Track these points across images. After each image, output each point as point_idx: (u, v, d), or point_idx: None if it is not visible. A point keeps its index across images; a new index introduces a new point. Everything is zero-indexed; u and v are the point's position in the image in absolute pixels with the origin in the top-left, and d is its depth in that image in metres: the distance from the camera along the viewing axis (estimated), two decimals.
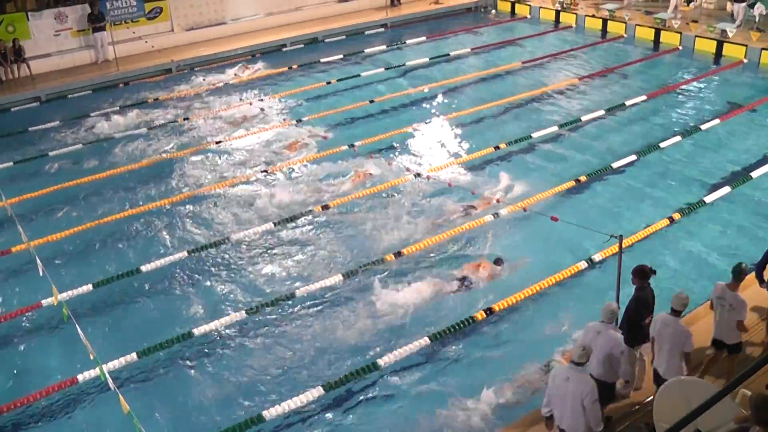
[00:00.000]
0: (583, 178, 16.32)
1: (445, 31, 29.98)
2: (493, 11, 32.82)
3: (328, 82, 23.95)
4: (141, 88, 24.18)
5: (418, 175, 16.56)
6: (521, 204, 14.63)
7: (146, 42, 26.00)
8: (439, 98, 22.54)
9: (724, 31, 25.56)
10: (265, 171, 17.43)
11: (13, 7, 25.07)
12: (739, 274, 9.49)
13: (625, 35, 28.20)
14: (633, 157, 17.39)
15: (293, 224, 15.08)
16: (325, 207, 15.51)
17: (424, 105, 22.02)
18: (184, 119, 20.99)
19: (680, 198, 15.60)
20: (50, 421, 10.43)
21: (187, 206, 16.06)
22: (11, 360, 11.66)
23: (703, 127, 19.08)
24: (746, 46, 24.66)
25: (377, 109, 21.61)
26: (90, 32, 25.50)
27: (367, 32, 30.20)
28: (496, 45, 27.98)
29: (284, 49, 27.91)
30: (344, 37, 29.54)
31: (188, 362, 11.42)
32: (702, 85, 22.93)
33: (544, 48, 27.39)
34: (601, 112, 20.42)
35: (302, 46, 28.58)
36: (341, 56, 26.86)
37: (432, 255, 13.80)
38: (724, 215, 14.90)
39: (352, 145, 18.27)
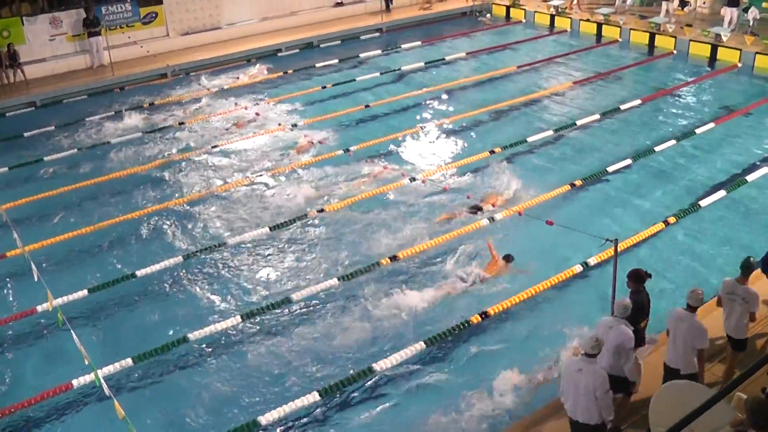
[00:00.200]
0: (578, 182, 16.33)
1: (440, 36, 30.03)
2: (488, 15, 32.86)
3: (324, 87, 23.93)
4: (136, 92, 24.17)
5: (413, 179, 16.56)
6: (516, 208, 14.63)
7: (141, 47, 25.99)
8: (435, 102, 22.56)
9: (718, 35, 25.63)
10: (261, 175, 17.43)
11: (7, 12, 25.01)
12: (747, 268, 9.63)
13: (620, 39, 28.27)
14: (628, 161, 17.42)
15: (289, 228, 15.06)
16: (321, 211, 15.50)
17: (419, 109, 22.04)
18: (179, 124, 20.97)
19: (675, 202, 15.63)
20: (44, 426, 10.37)
21: (182, 211, 16.04)
22: (5, 365, 11.60)
23: (698, 130, 19.13)
24: (740, 50, 24.73)
25: (373, 114, 21.62)
26: (85, 37, 25.49)
27: (362, 37, 30.21)
28: (491, 49, 28.03)
29: (279, 54, 27.91)
30: (339, 41, 29.55)
31: (184, 367, 11.39)
32: (697, 89, 23.00)
33: (539, 52, 27.43)
34: (596, 116, 20.46)
35: (297, 50, 28.59)
36: (336, 61, 26.88)
37: (427, 259, 13.78)
38: (720, 219, 14.92)
39: (348, 150, 18.27)
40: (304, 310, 12.59)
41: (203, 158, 18.73)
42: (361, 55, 27.42)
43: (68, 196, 16.81)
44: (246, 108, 21.84)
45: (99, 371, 9.89)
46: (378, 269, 13.42)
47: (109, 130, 20.72)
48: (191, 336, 11.69)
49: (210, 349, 11.74)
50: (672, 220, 14.65)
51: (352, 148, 18.40)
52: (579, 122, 20.04)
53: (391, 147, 18.93)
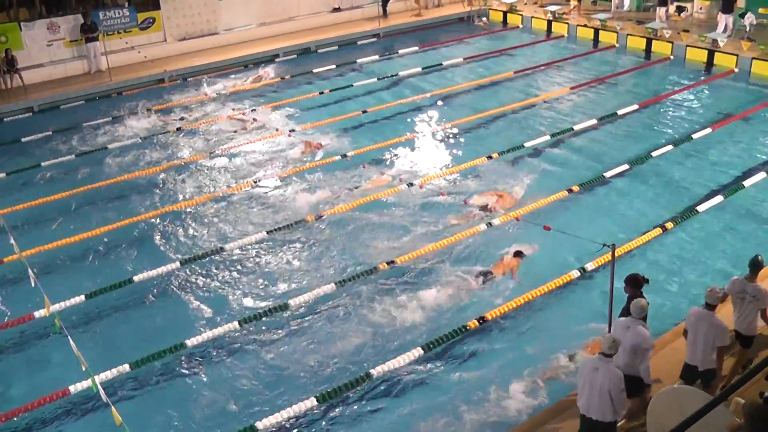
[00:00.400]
0: (575, 188, 16.34)
1: (437, 41, 30.09)
2: (484, 19, 32.89)
3: (321, 92, 23.97)
4: (134, 98, 24.15)
5: (410, 184, 16.57)
6: (514, 214, 14.66)
7: (139, 52, 26.02)
8: (432, 108, 22.59)
9: (715, 41, 25.70)
10: (258, 181, 17.42)
11: (5, 17, 25.05)
12: (756, 266, 9.71)
13: (617, 45, 28.32)
14: (625, 167, 17.43)
15: (286, 234, 15.05)
16: (319, 217, 15.50)
17: (416, 114, 22.06)
18: (177, 129, 20.98)
19: (673, 207, 15.64)
20: None
21: (179, 217, 16.04)
22: (2, 372, 11.58)
23: (695, 136, 19.14)
24: (737, 55, 24.80)
25: (370, 119, 21.63)
26: (83, 42, 25.50)
27: (359, 42, 30.26)
28: (488, 55, 28.08)
29: (277, 60, 27.95)
30: (337, 47, 29.61)
31: (181, 373, 11.36)
32: (694, 94, 23.04)
33: (536, 57, 27.48)
34: (594, 122, 20.48)
35: (295, 56, 28.64)
36: (334, 66, 26.92)
37: (422, 264, 13.76)
38: (717, 224, 14.93)
39: (345, 155, 18.29)
40: (301, 315, 12.57)
41: (201, 164, 18.73)
42: (359, 61, 27.47)
43: (65, 201, 16.79)
44: (243, 113, 21.87)
45: (96, 377, 9.87)
46: (375, 274, 13.40)
47: (106, 135, 20.76)
48: (188, 342, 11.66)
49: (207, 355, 11.72)
50: (669, 225, 14.66)
51: (349, 154, 18.40)
52: (576, 127, 20.05)
53: (389, 152, 18.93)
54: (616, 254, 9.99)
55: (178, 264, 13.98)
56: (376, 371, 10.84)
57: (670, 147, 18.51)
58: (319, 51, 29.20)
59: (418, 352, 11.22)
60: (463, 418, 10.08)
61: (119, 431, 8.36)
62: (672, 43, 26.65)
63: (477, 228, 14.66)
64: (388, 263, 13.57)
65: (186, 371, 11.40)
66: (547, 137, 19.45)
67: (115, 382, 10.98)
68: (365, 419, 10.34)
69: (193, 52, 27.84)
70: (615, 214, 15.55)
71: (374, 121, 21.52)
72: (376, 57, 27.98)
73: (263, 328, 12.25)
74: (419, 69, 26.05)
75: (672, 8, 29.63)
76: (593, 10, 31.90)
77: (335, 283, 13.10)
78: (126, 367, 11.13)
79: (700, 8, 29.94)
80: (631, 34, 28.12)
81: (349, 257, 14.18)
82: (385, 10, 32.15)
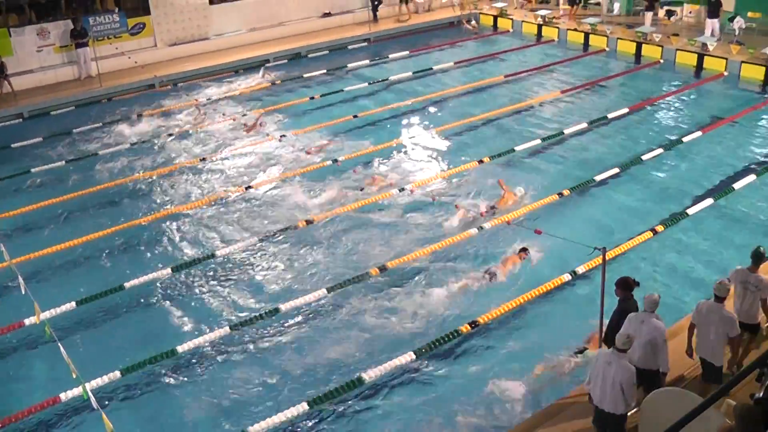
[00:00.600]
0: (566, 192, 16.36)
1: (427, 46, 30.13)
2: (473, 22, 32.92)
3: (312, 98, 23.95)
4: (124, 104, 24.14)
5: (402, 189, 16.57)
6: (505, 217, 14.67)
7: (129, 58, 25.96)
8: (423, 112, 22.61)
9: (704, 45, 25.82)
10: (249, 186, 17.38)
11: None
12: (758, 257, 9.90)
13: (607, 49, 28.41)
14: (616, 170, 17.47)
15: (277, 239, 15.03)
16: (309, 222, 15.47)
17: (407, 119, 22.08)
18: (168, 135, 20.93)
19: (663, 210, 15.67)
20: None
21: (170, 222, 15.98)
22: None
23: (685, 139, 19.21)
24: (726, 59, 24.90)
25: (361, 124, 21.63)
26: (73, 48, 25.45)
27: (350, 47, 30.27)
28: (478, 59, 28.14)
29: (267, 65, 27.90)
30: (327, 51, 29.62)
31: (172, 379, 11.32)
32: (684, 98, 23.13)
33: (526, 62, 27.54)
34: (584, 125, 20.53)
35: (285, 61, 28.63)
36: (324, 71, 26.93)
37: (414, 268, 13.76)
38: (707, 227, 14.98)
39: (336, 161, 18.27)
40: (293, 320, 12.54)
41: (191, 169, 18.68)
42: (349, 65, 27.47)
43: (56, 208, 16.73)
44: (234, 119, 21.82)
45: (87, 384, 9.82)
46: (367, 279, 13.39)
47: (96, 141, 20.69)
48: (179, 348, 11.62)
49: (198, 361, 11.68)
50: (660, 228, 14.70)
51: (340, 159, 18.40)
52: (567, 131, 20.10)
53: (380, 157, 18.91)
54: (606, 257, 10.01)
55: (169, 270, 13.93)
56: (368, 375, 10.82)
57: (660, 150, 18.56)
58: (310, 56, 29.21)
59: (410, 356, 11.21)
60: (458, 422, 10.07)
61: None
62: (662, 47, 26.75)
63: (468, 232, 14.66)
64: (379, 268, 13.56)
65: (177, 377, 11.36)
66: (538, 141, 19.48)
67: (106, 389, 10.92)
68: (358, 423, 10.31)
69: (184, 57, 27.81)
70: (605, 218, 15.58)
71: (365, 126, 21.51)
72: (367, 62, 28.01)
73: (255, 333, 12.22)
74: (410, 73, 26.09)
75: (662, 12, 29.74)
76: (583, 14, 32.00)
77: (327, 288, 13.07)
78: (117, 374, 11.08)
79: (690, 12, 30.06)
80: (621, 38, 28.23)
81: (341, 262, 14.16)
82: (375, 15, 32.18)
